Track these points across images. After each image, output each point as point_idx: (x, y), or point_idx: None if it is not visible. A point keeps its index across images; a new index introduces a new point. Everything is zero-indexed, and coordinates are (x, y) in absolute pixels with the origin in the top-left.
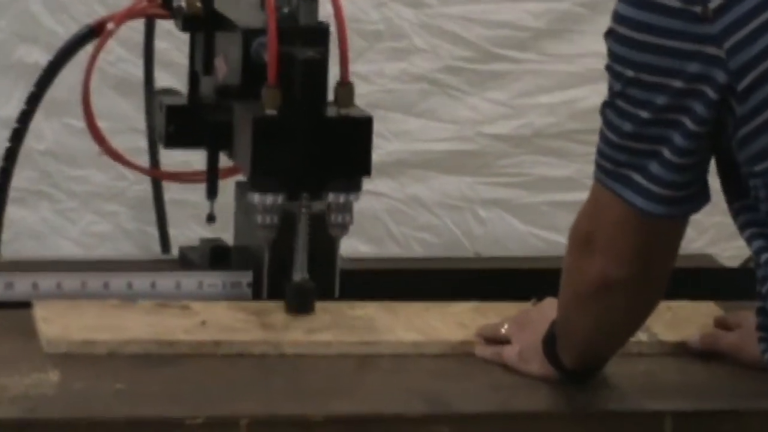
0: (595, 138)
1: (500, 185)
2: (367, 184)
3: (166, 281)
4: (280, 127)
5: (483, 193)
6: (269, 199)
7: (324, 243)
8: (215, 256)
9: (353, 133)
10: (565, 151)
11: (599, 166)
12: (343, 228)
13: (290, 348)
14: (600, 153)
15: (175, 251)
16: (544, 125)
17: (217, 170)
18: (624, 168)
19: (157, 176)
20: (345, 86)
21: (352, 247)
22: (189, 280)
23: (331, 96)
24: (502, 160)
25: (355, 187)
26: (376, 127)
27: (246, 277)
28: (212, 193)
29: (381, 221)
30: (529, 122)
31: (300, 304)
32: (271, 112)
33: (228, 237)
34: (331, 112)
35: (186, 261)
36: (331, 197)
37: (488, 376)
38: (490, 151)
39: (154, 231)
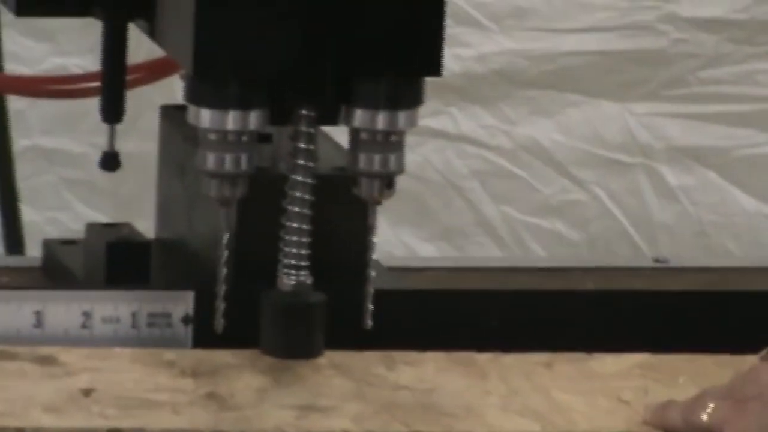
0: None
1: (708, 119)
2: (435, 119)
3: (14, 309)
4: None
5: (673, 134)
6: (232, 119)
7: (342, 229)
8: (118, 260)
9: None
10: None
11: None
12: (384, 184)
13: None
14: None
15: (34, 251)
16: None
17: (122, 63)
18: None
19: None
20: None
21: (402, 242)
22: (62, 309)
23: None
24: (714, 68)
25: (410, 101)
26: (456, 7)
27: (181, 303)
28: (112, 110)
29: (462, 193)
30: None
31: (293, 338)
32: None
33: (144, 223)
34: None
35: (57, 269)
36: (359, 118)
37: None
38: (690, 51)
39: None
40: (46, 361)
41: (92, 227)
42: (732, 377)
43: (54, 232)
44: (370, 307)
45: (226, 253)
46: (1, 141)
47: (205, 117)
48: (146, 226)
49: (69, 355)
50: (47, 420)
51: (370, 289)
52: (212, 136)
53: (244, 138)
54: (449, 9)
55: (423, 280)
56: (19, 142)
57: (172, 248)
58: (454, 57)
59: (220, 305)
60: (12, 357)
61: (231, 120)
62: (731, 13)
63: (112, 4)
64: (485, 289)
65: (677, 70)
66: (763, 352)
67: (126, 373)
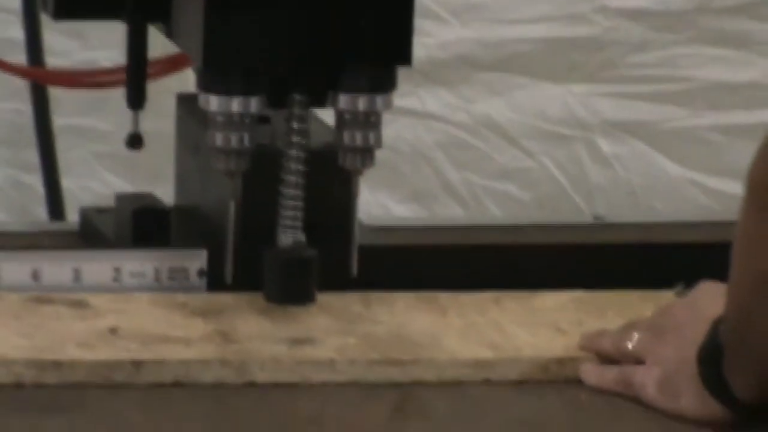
0: None
1: (636, 97)
2: (405, 99)
3: (56, 267)
4: None
5: (607, 110)
6: (236, 104)
7: (330, 194)
8: (142, 224)
9: None
10: (751, 37)
11: None
12: (365, 156)
13: (264, 372)
14: None
15: (72, 216)
16: None
17: (144, 58)
18: None
19: (39, 79)
20: None
21: (380, 204)
22: (96, 266)
23: None
24: (640, 53)
25: (385, 85)
26: (421, 3)
27: (196, 260)
28: (136, 98)
29: (430, 162)
30: None
31: (290, 287)
32: None
33: (164, 191)
34: None
35: (92, 232)
36: (343, 102)
37: (603, 420)
38: (619, 38)
39: (35, 180)
40: (78, 304)
41: (121, 197)
42: (653, 312)
43: (86, 197)
44: (355, 259)
45: (233, 216)
46: (44, 121)
47: (213, 102)
48: (162, 191)
49: (97, 300)
50: (80, 354)
51: (355, 245)
52: (219, 118)
53: (247, 120)
54: (416, 5)
55: (397, 236)
56: (57, 122)
57: (188, 214)
58: (420, 45)
59: (230, 259)
60: (49, 302)
61: (235, 104)
62: (651, 4)
63: (135, 9)
64: (449, 243)
65: (609, 55)
66: (677, 288)
67: (146, 313)
